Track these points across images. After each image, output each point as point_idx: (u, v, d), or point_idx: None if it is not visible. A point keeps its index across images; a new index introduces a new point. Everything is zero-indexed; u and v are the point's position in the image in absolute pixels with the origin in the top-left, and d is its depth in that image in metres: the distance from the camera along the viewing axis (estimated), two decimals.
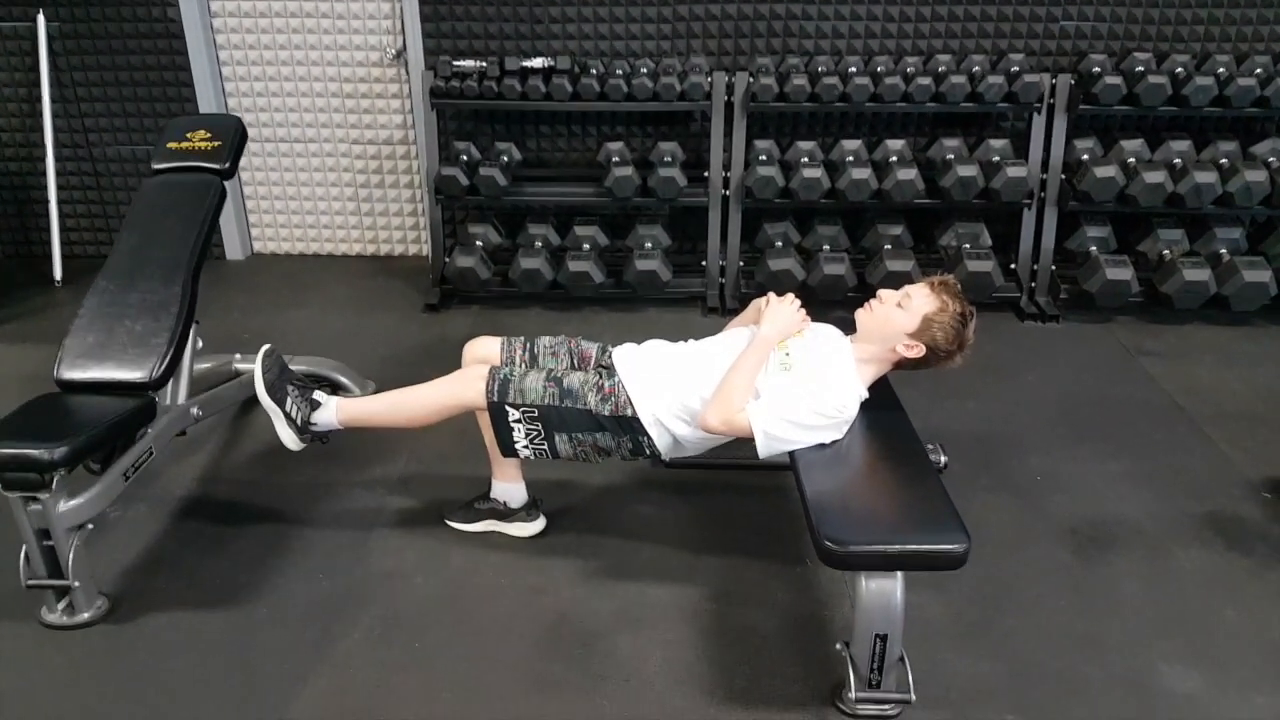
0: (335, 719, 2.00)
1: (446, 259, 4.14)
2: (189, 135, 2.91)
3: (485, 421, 2.40)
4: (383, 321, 4.04)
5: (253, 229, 4.78)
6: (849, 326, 2.39)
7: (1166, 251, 3.98)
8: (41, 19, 4.22)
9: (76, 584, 2.19)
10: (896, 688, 1.97)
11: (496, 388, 2.33)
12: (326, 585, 2.40)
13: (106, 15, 4.28)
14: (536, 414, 2.32)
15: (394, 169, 4.62)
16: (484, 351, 2.55)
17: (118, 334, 2.44)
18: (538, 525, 2.59)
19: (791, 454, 2.17)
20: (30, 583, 2.19)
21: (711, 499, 2.78)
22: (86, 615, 2.24)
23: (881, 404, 2.33)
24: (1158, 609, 2.33)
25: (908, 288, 2.30)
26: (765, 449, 2.19)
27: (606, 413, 2.32)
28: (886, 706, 1.99)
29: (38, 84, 4.28)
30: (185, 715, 2.01)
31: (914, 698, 1.95)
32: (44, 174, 4.35)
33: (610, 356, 2.47)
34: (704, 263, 4.19)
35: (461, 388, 2.37)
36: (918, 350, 2.24)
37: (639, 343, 2.50)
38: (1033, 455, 3.00)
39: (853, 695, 1.96)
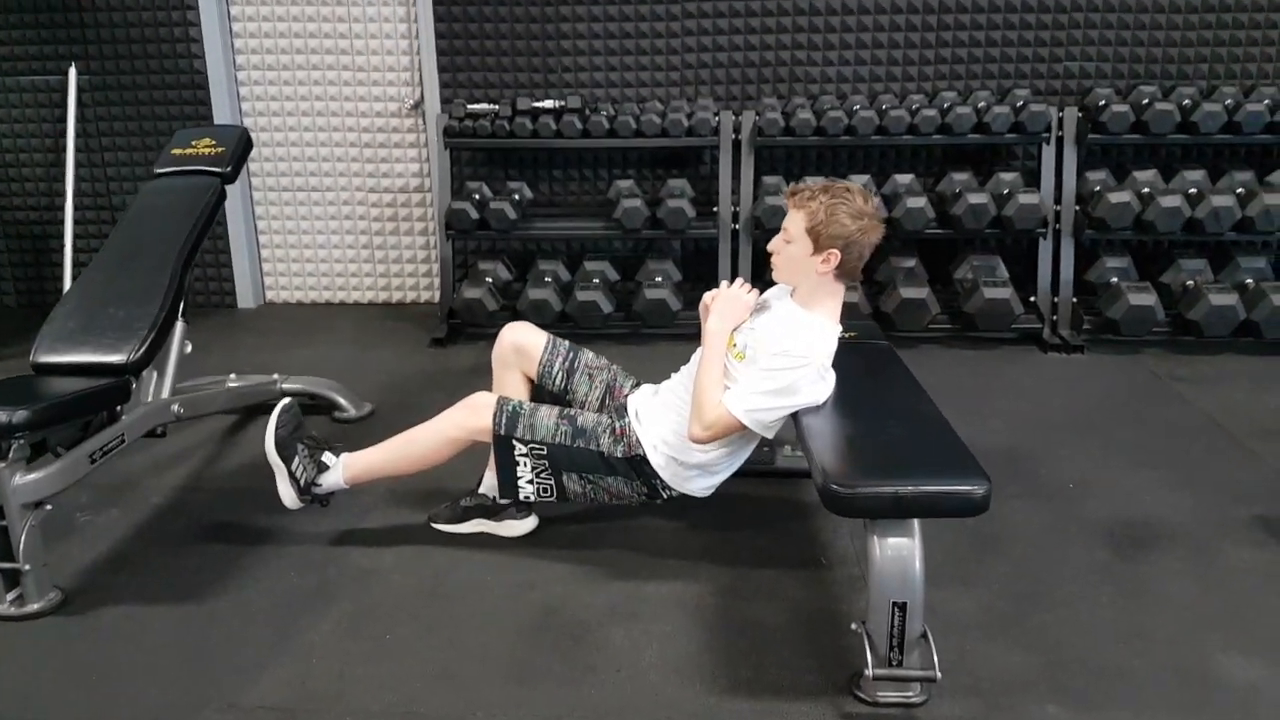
0: (291, 706, 1.81)
1: (454, 295, 4.09)
2: (194, 143, 2.93)
3: (502, 381, 2.34)
4: (387, 355, 3.96)
5: (266, 277, 4.79)
6: None
7: (1190, 282, 3.85)
8: (73, 72, 4.37)
9: (27, 567, 2.04)
10: (920, 666, 1.75)
11: (505, 420, 2.24)
12: (296, 581, 2.23)
13: (135, 68, 4.42)
14: (545, 452, 2.22)
15: (408, 215, 4.65)
16: (524, 340, 2.45)
17: (99, 320, 2.38)
18: (529, 524, 2.43)
19: (795, 416, 2.02)
20: None
21: (719, 504, 2.56)
22: (37, 606, 2.08)
23: (886, 369, 2.19)
24: (1208, 603, 2.11)
25: (784, 222, 2.16)
26: (759, 426, 2.10)
27: (619, 454, 2.23)
28: (909, 691, 1.77)
29: (64, 135, 4.39)
30: (130, 703, 1.82)
31: (939, 675, 1.73)
32: (62, 223, 4.40)
33: (626, 398, 2.39)
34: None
35: (468, 417, 2.27)
36: (834, 257, 2.08)
37: (657, 385, 2.42)
38: (1063, 466, 2.81)
39: (870, 674, 1.74)
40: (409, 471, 2.40)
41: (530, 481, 2.26)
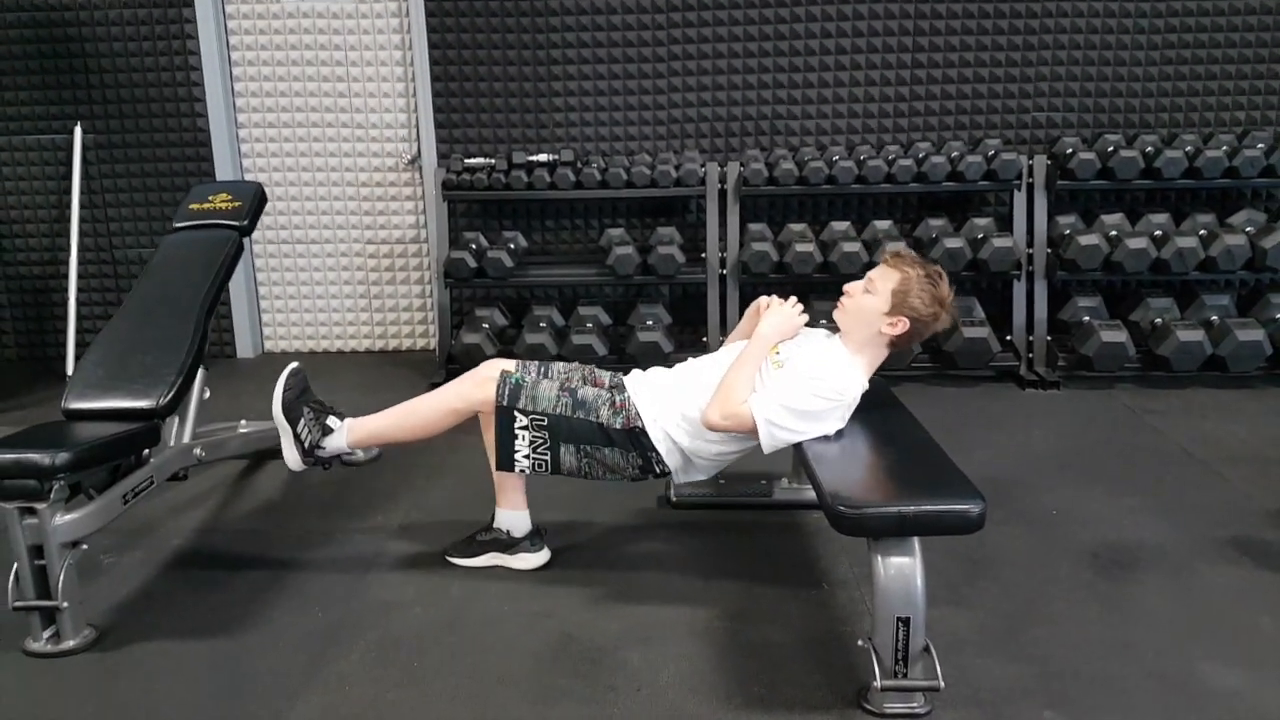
0: None
1: (453, 341, 4.21)
2: (211, 198, 3.05)
3: (490, 439, 2.39)
4: (388, 400, 4.00)
5: (265, 328, 4.89)
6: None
7: (1158, 319, 4.05)
8: (79, 130, 4.49)
9: (65, 605, 2.11)
10: (924, 678, 1.87)
11: (508, 391, 2.33)
12: (322, 616, 2.31)
13: (140, 127, 4.55)
14: (545, 422, 2.31)
15: (405, 265, 4.78)
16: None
17: (128, 367, 2.47)
18: (542, 557, 2.52)
19: (798, 446, 2.15)
20: (17, 604, 2.12)
21: (721, 535, 2.72)
22: (72, 643, 2.15)
23: (882, 402, 2.33)
24: (1190, 617, 2.24)
25: (869, 273, 2.32)
26: (769, 440, 2.19)
27: (618, 425, 2.32)
28: (914, 701, 1.88)
29: (69, 191, 4.50)
30: None
31: (942, 684, 1.84)
32: (65, 277, 4.49)
33: (620, 379, 2.49)
34: (704, 339, 4.25)
35: (471, 388, 2.37)
36: (902, 325, 2.24)
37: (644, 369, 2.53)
38: (1045, 494, 2.95)
39: (878, 685, 1.85)
40: (410, 439, 2.51)
41: (527, 456, 2.34)
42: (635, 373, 2.50)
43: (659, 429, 2.33)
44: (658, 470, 2.38)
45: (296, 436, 2.34)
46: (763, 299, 2.45)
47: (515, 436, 2.33)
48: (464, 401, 2.38)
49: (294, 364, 2.42)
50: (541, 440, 2.32)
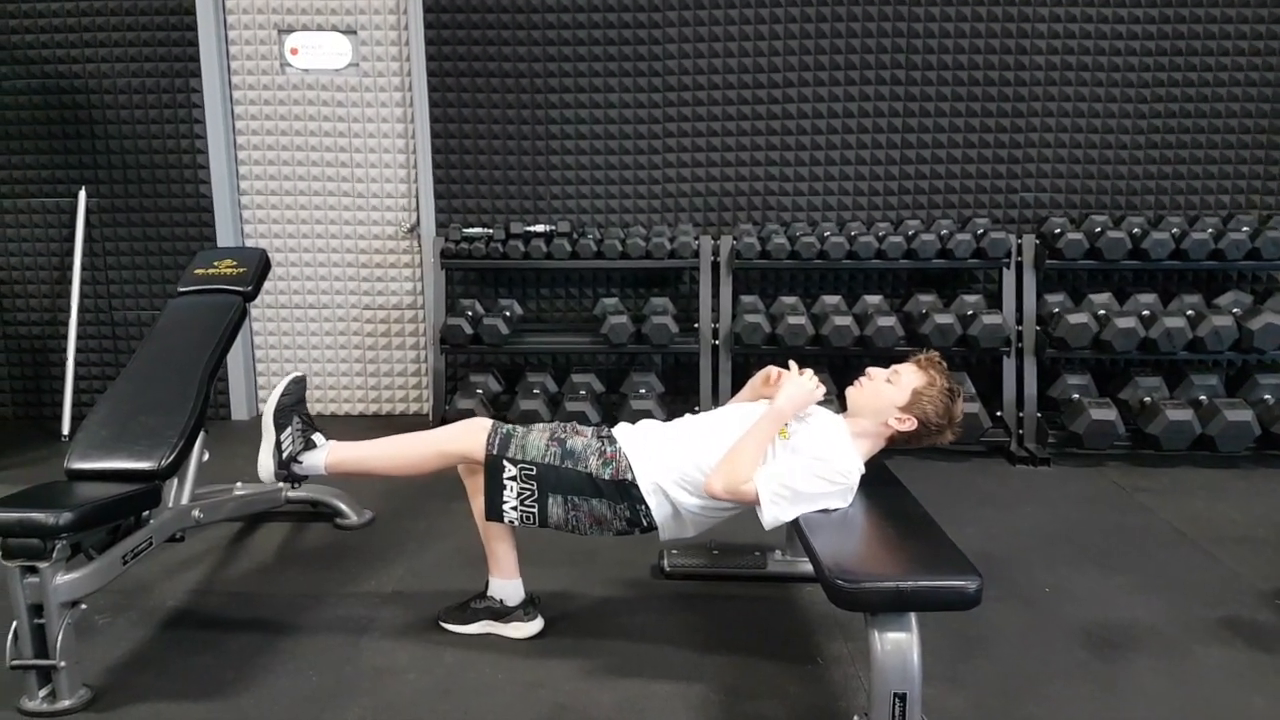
0: None
1: (447, 406, 4.24)
2: (216, 263, 3.10)
3: (478, 505, 2.40)
4: None
5: (260, 390, 4.91)
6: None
7: (1148, 398, 4.11)
8: (83, 194, 4.57)
9: (63, 664, 2.10)
10: None
11: (498, 440, 2.35)
12: (315, 680, 2.30)
13: (144, 191, 4.63)
14: (534, 472, 2.32)
15: (401, 331, 4.83)
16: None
17: (130, 428, 2.48)
18: (535, 626, 2.51)
19: (795, 520, 2.17)
20: (15, 663, 2.10)
21: (714, 607, 2.71)
22: (68, 702, 2.13)
23: (878, 477, 2.36)
24: (1183, 698, 2.25)
25: (896, 365, 2.39)
26: (771, 517, 2.19)
27: (607, 476, 2.31)
28: None
29: (71, 254, 4.55)
30: None
31: None
32: (65, 338, 4.51)
33: (609, 430, 2.48)
34: (696, 408, 4.28)
35: (462, 434, 2.38)
36: (910, 424, 2.30)
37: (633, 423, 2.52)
38: (1037, 570, 2.96)
39: None
40: (392, 473, 2.48)
41: (515, 507, 2.33)
42: (624, 425, 2.49)
43: (650, 481, 2.32)
44: (644, 524, 2.35)
45: (278, 444, 2.32)
46: (772, 369, 2.46)
47: (504, 487, 2.33)
48: (453, 444, 2.38)
49: (297, 373, 2.44)
50: (529, 491, 2.32)
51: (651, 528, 2.37)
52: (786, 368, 2.42)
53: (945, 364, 2.39)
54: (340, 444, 2.44)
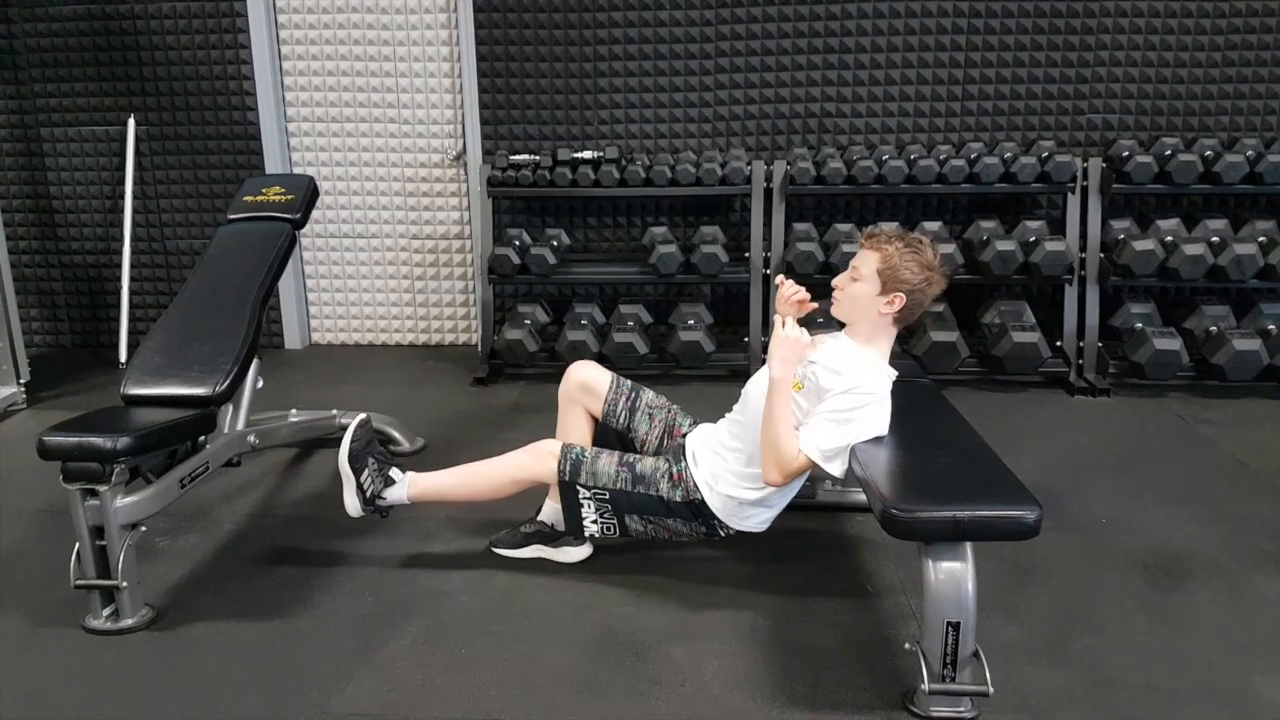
0: (380, 713, 1.92)
1: (495, 337, 4.25)
2: (264, 190, 3.10)
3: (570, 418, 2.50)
4: (432, 394, 4.11)
5: (312, 319, 4.96)
6: None
7: (1213, 328, 3.96)
8: (132, 122, 4.59)
9: (125, 584, 2.17)
10: (972, 682, 1.85)
11: (569, 467, 2.37)
12: (371, 601, 2.35)
13: (191, 119, 4.64)
14: (607, 496, 2.36)
15: (449, 261, 4.83)
16: (590, 378, 2.57)
17: (185, 355, 2.52)
18: (585, 551, 2.54)
19: (850, 451, 2.13)
20: (79, 582, 2.18)
21: (765, 536, 2.65)
22: (130, 621, 2.21)
23: (934, 407, 2.31)
24: (1242, 630, 2.20)
25: (852, 260, 2.29)
26: (836, 469, 2.15)
27: (678, 499, 2.35)
28: (961, 706, 1.86)
29: (122, 182, 4.60)
30: (226, 712, 1.94)
31: (991, 690, 1.82)
32: (119, 266, 4.59)
33: (682, 441, 2.49)
34: (746, 339, 4.24)
35: (533, 462, 2.41)
36: (898, 300, 2.21)
37: (714, 422, 2.53)
38: (1095, 503, 2.90)
39: (926, 688, 1.84)
40: (469, 500, 2.56)
41: (595, 521, 2.40)
42: (701, 430, 2.51)
43: (717, 496, 2.34)
44: (721, 534, 2.40)
45: (359, 486, 2.39)
46: (780, 280, 2.40)
47: (581, 506, 2.39)
48: (526, 473, 2.43)
49: (362, 415, 2.49)
50: (607, 509, 2.38)
51: (731, 534, 2.40)
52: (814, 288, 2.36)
53: (886, 229, 2.30)
54: (418, 476, 2.48)
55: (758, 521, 2.39)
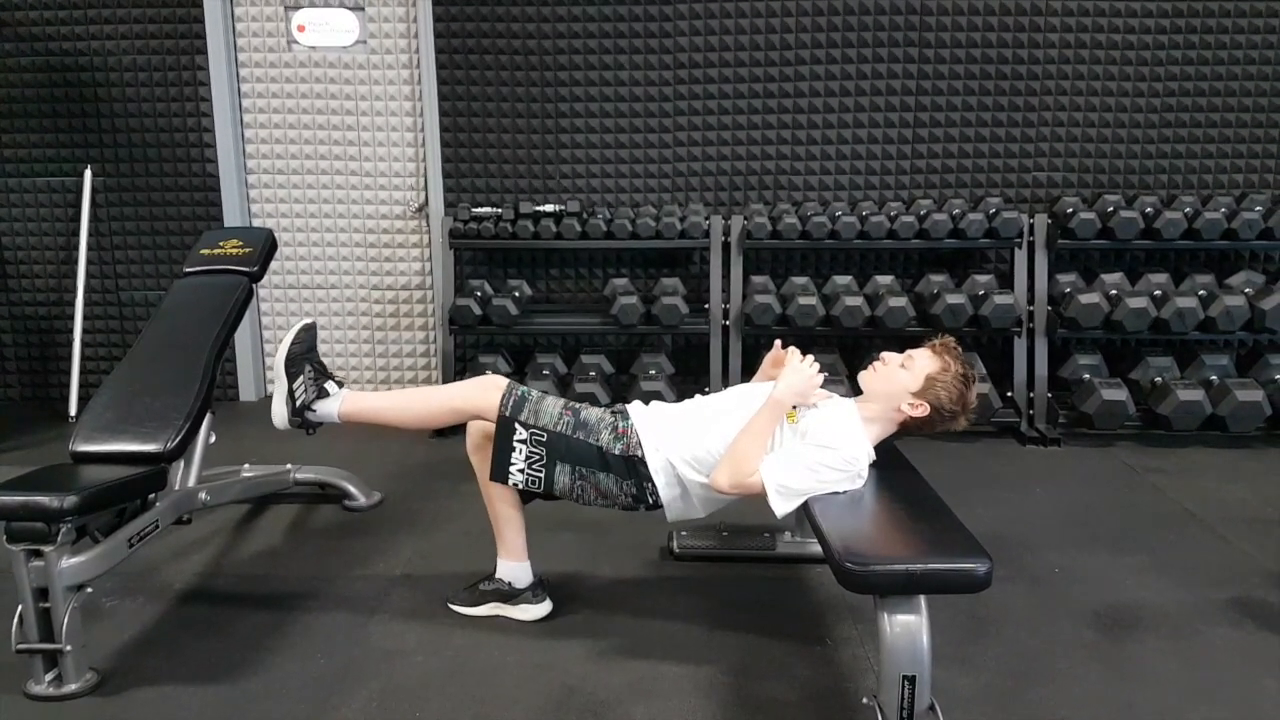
0: None
1: None
2: (221, 244, 3.08)
3: (484, 464, 2.39)
4: (391, 447, 4.06)
5: (267, 371, 4.91)
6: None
7: (1158, 378, 4.08)
8: (89, 173, 4.56)
9: (69, 648, 2.10)
10: None
11: (512, 402, 2.34)
12: (324, 663, 2.30)
13: (150, 170, 4.62)
14: (545, 439, 2.31)
15: (409, 312, 4.82)
16: (484, 422, 2.42)
17: (136, 410, 2.48)
18: (544, 608, 2.51)
19: (805, 503, 2.15)
20: (21, 647, 2.10)
21: (724, 589, 2.71)
22: (74, 686, 2.13)
23: (887, 459, 2.35)
24: (1193, 680, 2.23)
25: (910, 350, 2.36)
26: (780, 506, 2.17)
27: (617, 451, 2.32)
28: None
29: (77, 233, 4.55)
30: None
31: None
32: (70, 318, 4.52)
33: (623, 406, 2.47)
34: (706, 389, 4.26)
35: (476, 392, 2.36)
36: (923, 409, 2.28)
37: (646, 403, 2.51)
38: (1047, 552, 2.95)
39: None
40: (404, 425, 2.49)
41: (522, 469, 2.32)
42: (637, 403, 2.49)
43: (661, 458, 2.31)
44: (650, 501, 2.35)
45: (291, 392, 2.31)
46: (778, 349, 2.45)
47: (513, 449, 2.32)
48: (467, 401, 2.37)
49: (308, 320, 2.42)
50: (538, 457, 2.31)
51: (656, 505, 2.36)
52: (797, 347, 2.39)
53: (960, 349, 2.36)
54: (355, 393, 2.43)
55: (683, 506, 2.35)
